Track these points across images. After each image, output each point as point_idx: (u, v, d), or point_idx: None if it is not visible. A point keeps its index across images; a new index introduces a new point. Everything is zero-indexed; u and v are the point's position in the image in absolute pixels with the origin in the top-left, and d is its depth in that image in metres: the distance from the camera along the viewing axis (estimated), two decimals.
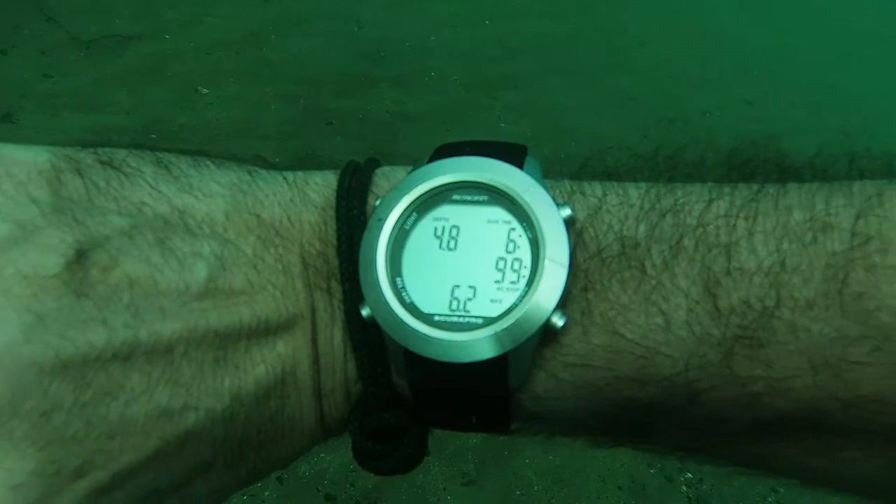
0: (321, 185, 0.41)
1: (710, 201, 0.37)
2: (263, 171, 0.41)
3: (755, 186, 0.37)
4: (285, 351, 0.37)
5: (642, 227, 0.37)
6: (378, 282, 0.37)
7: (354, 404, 0.40)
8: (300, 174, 0.41)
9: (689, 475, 2.10)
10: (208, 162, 0.40)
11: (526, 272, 0.37)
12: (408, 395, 0.39)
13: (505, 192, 0.38)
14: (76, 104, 3.15)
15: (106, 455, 0.30)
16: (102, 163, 0.36)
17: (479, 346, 0.36)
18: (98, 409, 0.30)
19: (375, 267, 0.38)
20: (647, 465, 2.12)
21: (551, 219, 0.37)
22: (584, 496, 2.03)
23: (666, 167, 0.40)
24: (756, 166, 0.39)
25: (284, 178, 0.41)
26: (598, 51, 4.28)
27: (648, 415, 0.37)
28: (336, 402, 0.40)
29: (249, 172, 0.40)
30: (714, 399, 0.35)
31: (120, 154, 0.37)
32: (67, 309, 0.30)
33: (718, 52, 4.41)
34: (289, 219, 0.39)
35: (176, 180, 0.37)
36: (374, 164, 0.43)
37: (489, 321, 0.36)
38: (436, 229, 0.39)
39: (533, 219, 0.37)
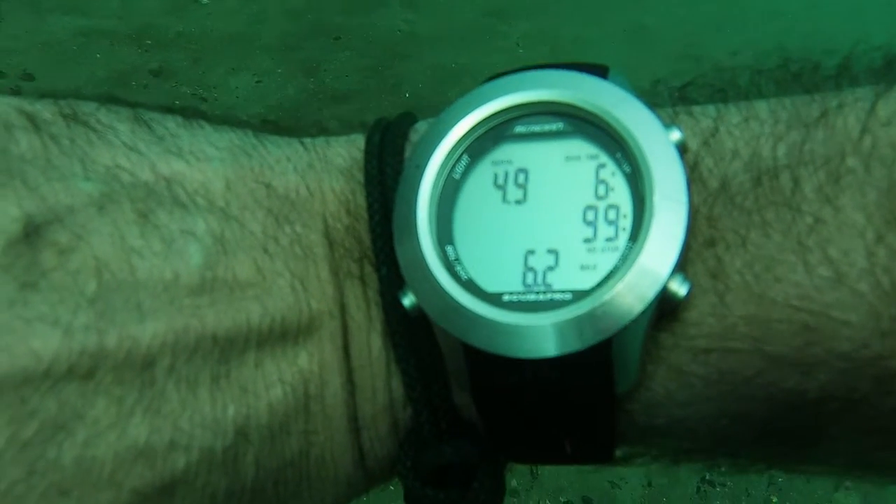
0: (346, 146, 0.33)
1: (877, 99, 0.27)
2: (273, 136, 0.33)
3: None
4: (309, 365, 0.29)
5: (782, 148, 0.28)
6: (421, 253, 0.29)
7: (404, 437, 0.31)
8: (319, 139, 0.34)
9: None
10: (202, 122, 0.32)
11: (626, 222, 0.28)
12: (475, 418, 0.30)
13: (588, 113, 0.29)
14: (65, 6, 3.06)
15: None
16: (65, 116, 0.28)
17: (569, 332, 0.26)
18: (46, 451, 0.22)
19: (416, 233, 0.29)
20: None
21: (657, 142, 0.28)
22: None
23: (798, 82, 0.30)
24: None
25: (300, 142, 0.33)
26: None
27: (820, 415, 0.27)
28: (379, 434, 0.31)
29: (255, 134, 0.33)
30: None
31: (87, 106, 0.29)
32: (4, 304, 0.22)
33: None
34: (307, 187, 0.31)
35: (160, 141, 0.29)
36: (411, 118, 0.34)
37: (581, 296, 0.27)
38: (496, 176, 0.30)
39: (632, 144, 0.28)
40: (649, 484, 1.89)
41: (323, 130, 0.35)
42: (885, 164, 0.26)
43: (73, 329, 0.23)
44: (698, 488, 1.89)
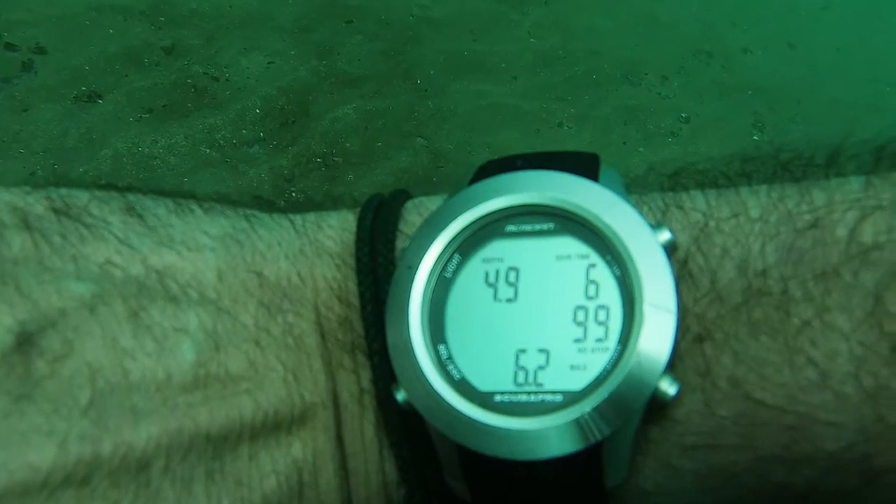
0: (337, 229, 0.33)
1: (866, 205, 0.27)
2: (264, 216, 0.33)
3: None
4: (303, 454, 0.29)
5: (771, 250, 0.28)
6: (413, 353, 0.29)
7: None
8: (310, 216, 0.34)
9: None
10: (194, 206, 0.32)
11: (616, 324, 0.28)
12: (469, 500, 0.30)
13: (578, 216, 0.29)
14: None
15: None
16: (57, 211, 0.28)
17: (561, 435, 0.26)
18: None
19: (408, 332, 0.29)
20: None
21: (646, 246, 0.28)
22: None
23: (787, 169, 0.30)
24: None
25: (291, 222, 0.33)
26: None
27: None
28: None
29: (247, 218, 0.32)
30: None
31: (79, 199, 0.29)
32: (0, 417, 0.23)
33: None
34: (299, 275, 0.31)
35: (152, 232, 0.29)
36: (404, 196, 0.34)
37: (572, 398, 0.27)
38: (487, 275, 0.30)
39: (620, 249, 0.28)
40: None
41: (317, 206, 0.35)
42: (873, 272, 0.26)
43: (69, 439, 0.23)
44: None
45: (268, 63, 2.82)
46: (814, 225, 0.28)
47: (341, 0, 3.26)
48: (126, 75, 2.64)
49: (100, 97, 2.50)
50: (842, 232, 0.27)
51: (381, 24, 3.20)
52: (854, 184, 0.28)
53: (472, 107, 2.71)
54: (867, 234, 0.27)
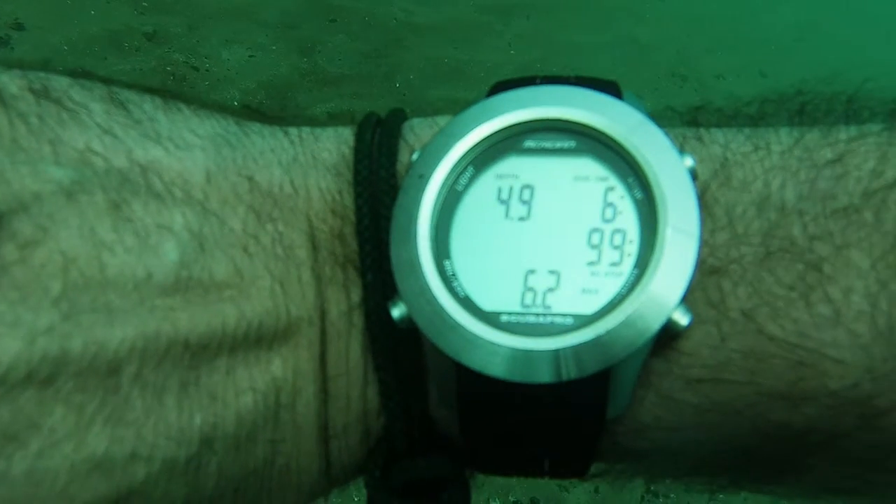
0: (334, 140, 0.31)
1: (889, 145, 0.27)
2: (256, 124, 0.31)
3: None
4: (283, 372, 0.27)
5: (791, 186, 0.27)
6: (419, 266, 0.27)
7: (374, 445, 0.30)
8: (306, 129, 0.32)
9: None
10: (182, 105, 0.30)
11: (632, 248, 0.27)
12: (452, 431, 0.29)
13: (604, 135, 0.28)
14: None
15: None
16: (35, 91, 0.26)
17: (569, 360, 0.25)
18: None
19: (415, 244, 0.27)
20: None
21: (672, 169, 0.27)
22: None
23: (804, 112, 0.30)
24: None
25: (286, 133, 0.31)
26: None
27: (802, 446, 0.28)
28: (349, 444, 0.30)
29: (238, 123, 0.31)
30: None
31: (60, 83, 0.27)
32: None
33: (740, 19, 4.28)
34: (292, 183, 0.29)
35: (137, 124, 0.27)
36: (402, 116, 0.32)
37: (582, 321, 0.26)
38: (500, 191, 0.28)
39: (647, 169, 0.27)
40: (596, 490, 1.93)
41: (310, 121, 0.33)
42: (893, 209, 0.26)
43: (35, 332, 0.21)
44: (642, 497, 1.94)
45: (249, 56, 2.82)
46: (835, 161, 0.27)
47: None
48: (105, 58, 2.62)
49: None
50: (863, 169, 0.27)
51: (364, 25, 3.20)
52: (875, 126, 0.28)
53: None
54: (889, 172, 0.27)
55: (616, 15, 3.94)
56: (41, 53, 2.51)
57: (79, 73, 0.28)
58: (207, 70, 2.71)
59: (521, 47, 3.41)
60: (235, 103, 2.56)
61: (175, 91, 0.30)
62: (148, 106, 0.28)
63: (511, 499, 1.86)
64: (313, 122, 0.33)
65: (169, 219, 0.25)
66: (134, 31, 2.78)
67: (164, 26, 2.84)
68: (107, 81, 0.28)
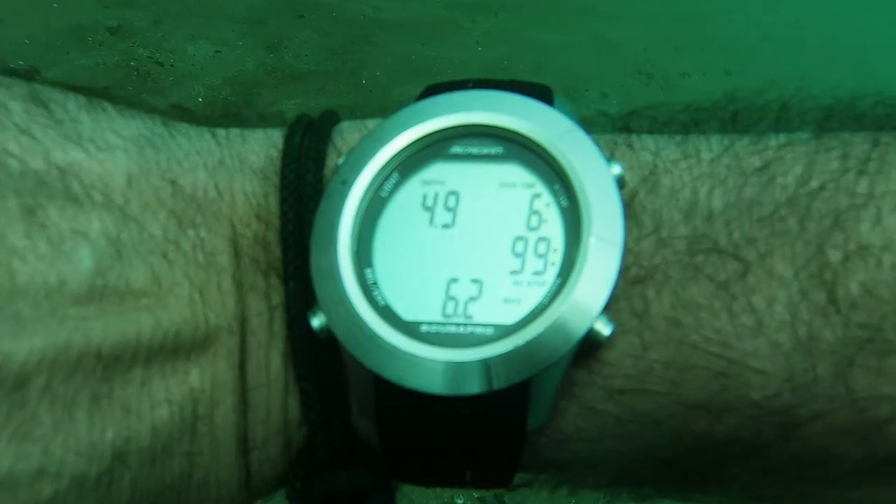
0: (263, 143, 0.30)
1: (816, 153, 0.27)
2: (184, 125, 0.30)
3: (870, 135, 0.28)
4: (200, 383, 0.26)
5: (718, 194, 0.27)
6: (338, 274, 0.27)
7: (295, 457, 0.29)
8: (235, 130, 0.31)
9: None
10: (107, 105, 0.28)
11: (556, 257, 0.26)
12: (373, 442, 0.28)
13: (530, 140, 0.27)
14: None
15: None
16: None
17: (490, 371, 0.25)
18: None
19: (335, 252, 0.27)
20: None
21: (598, 177, 0.26)
22: None
23: (737, 120, 0.30)
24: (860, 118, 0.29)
25: (213, 135, 0.30)
26: None
27: (724, 456, 0.28)
28: (269, 455, 0.29)
29: (164, 124, 0.29)
30: (820, 431, 0.26)
31: None
32: None
33: (707, 18, 4.34)
34: (216, 187, 0.28)
35: (58, 125, 0.26)
36: (334, 118, 0.32)
37: (503, 332, 0.26)
38: (425, 197, 0.28)
39: (572, 177, 0.26)
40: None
41: (242, 122, 0.32)
42: (818, 222, 0.26)
43: None
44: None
45: (214, 52, 2.80)
46: (762, 168, 0.27)
47: None
48: (68, 52, 2.59)
49: (38, 73, 2.45)
50: (789, 176, 0.27)
51: (332, 21, 3.20)
52: (804, 134, 0.28)
53: None
54: (814, 181, 0.26)
55: (584, 13, 3.97)
56: (1, 48, 2.47)
57: (2, 69, 0.28)
58: (172, 65, 2.69)
59: (488, 44, 3.43)
60: (200, 99, 2.54)
61: (104, 91, 0.30)
62: (71, 105, 0.27)
63: (475, 495, 1.88)
64: (245, 124, 0.32)
65: (86, 224, 0.25)
66: (98, 24, 2.75)
67: (128, 20, 2.81)
68: (30, 78, 0.28)
